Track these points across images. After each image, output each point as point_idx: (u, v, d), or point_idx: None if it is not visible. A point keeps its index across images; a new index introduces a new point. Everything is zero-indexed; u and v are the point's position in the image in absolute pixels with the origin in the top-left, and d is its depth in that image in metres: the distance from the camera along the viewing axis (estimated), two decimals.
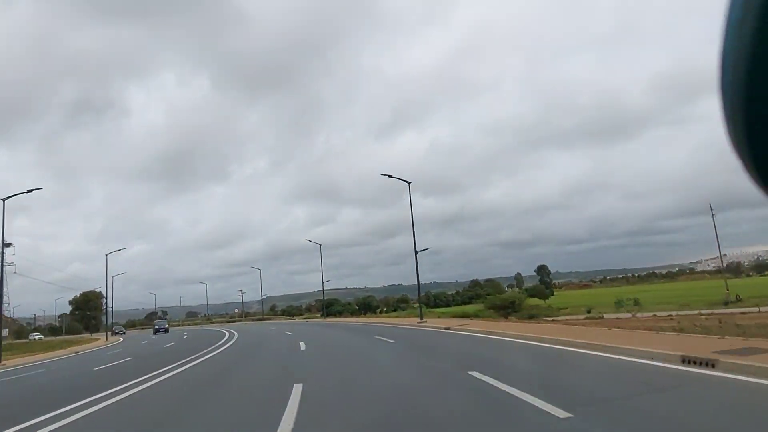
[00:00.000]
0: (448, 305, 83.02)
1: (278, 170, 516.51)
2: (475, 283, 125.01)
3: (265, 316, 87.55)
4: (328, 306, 70.10)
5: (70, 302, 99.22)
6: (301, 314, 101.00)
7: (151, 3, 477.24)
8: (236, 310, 64.18)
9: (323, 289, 54.57)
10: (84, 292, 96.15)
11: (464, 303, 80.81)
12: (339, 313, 67.35)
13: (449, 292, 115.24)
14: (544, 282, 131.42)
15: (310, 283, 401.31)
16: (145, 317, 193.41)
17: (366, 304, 76.97)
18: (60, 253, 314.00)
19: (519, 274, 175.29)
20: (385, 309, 78.12)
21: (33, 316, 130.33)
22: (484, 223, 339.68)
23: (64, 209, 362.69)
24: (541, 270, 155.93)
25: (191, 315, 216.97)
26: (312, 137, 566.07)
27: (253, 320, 75.01)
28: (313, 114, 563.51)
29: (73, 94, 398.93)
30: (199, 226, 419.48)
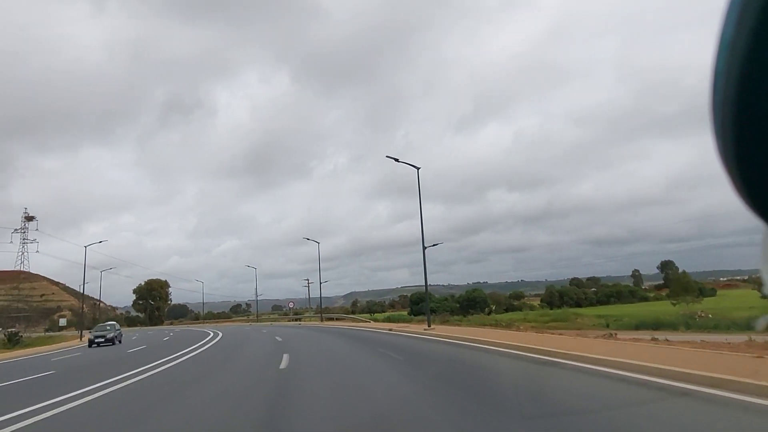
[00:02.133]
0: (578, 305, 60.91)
1: (358, 166, 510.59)
2: (576, 282, 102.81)
3: (308, 315, 72.15)
4: (419, 302, 52.27)
5: (134, 291, 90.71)
6: (383, 311, 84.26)
7: (231, 2, 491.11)
8: (290, 305, 48.32)
9: (320, 294, 38.12)
10: (148, 281, 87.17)
11: (576, 305, 59.03)
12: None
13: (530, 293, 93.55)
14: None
15: (393, 279, 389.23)
16: (230, 309, 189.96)
17: (471, 300, 56.63)
18: (160, 247, 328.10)
19: (637, 271, 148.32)
20: (493, 308, 58.19)
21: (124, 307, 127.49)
22: (573, 219, 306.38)
23: (161, 206, 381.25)
24: (666, 267, 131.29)
25: (276, 308, 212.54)
26: (391, 131, 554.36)
27: (298, 321, 60.29)
28: (392, 108, 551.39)
29: (165, 95, 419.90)
30: (284, 222, 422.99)
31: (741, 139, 0.60)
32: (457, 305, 55.39)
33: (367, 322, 37.50)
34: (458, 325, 28.19)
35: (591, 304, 57.12)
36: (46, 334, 62.67)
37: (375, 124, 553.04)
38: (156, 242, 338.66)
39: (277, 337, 25.23)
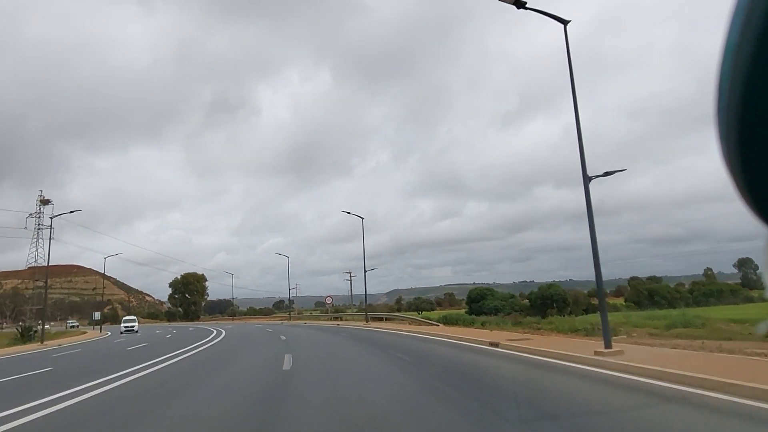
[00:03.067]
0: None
1: (400, 163, 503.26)
2: (636, 281, 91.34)
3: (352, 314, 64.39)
4: (478, 300, 44.09)
5: (170, 285, 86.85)
6: (432, 308, 76.29)
7: (272, 0, 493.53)
8: (328, 300, 41.32)
9: (365, 289, 30.64)
10: (184, 275, 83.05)
11: (669, 305, 48.69)
12: (491, 312, 40.12)
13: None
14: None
15: (436, 277, 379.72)
16: (273, 305, 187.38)
17: (547, 298, 47.06)
18: (207, 244, 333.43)
19: (710, 269, 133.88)
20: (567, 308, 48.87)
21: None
22: (626, 216, 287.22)
23: (208, 204, 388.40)
24: (745, 264, 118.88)
25: (319, 305, 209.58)
26: (434, 128, 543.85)
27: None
28: (434, 104, 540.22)
29: (211, 95, 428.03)
30: (327, 219, 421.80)
31: (745, 143, 0.60)
32: (527, 303, 46.57)
33: (434, 326, 26.30)
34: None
35: (687, 305, 47.05)
36: (69, 328, 59.06)
37: (417, 120, 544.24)
38: (203, 239, 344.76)
39: (287, 355, 18.36)
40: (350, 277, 42.84)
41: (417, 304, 78.75)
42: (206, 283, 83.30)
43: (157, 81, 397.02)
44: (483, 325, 24.52)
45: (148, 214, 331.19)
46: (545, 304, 44.66)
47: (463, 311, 43.29)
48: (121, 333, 45.48)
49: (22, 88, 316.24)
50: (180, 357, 16.16)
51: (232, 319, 65.12)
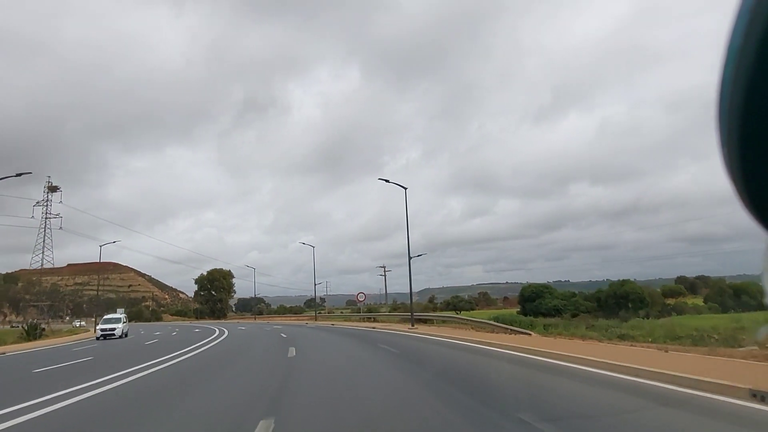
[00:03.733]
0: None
1: (431, 160, 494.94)
2: (682, 280, 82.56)
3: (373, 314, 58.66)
4: (533, 299, 37.94)
5: (196, 281, 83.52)
6: (470, 308, 70.23)
7: None
8: (360, 297, 35.38)
9: (409, 281, 25.27)
10: (210, 271, 79.58)
11: (758, 308, 41.00)
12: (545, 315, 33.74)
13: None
14: None
15: (467, 276, 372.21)
16: (304, 304, 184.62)
17: (622, 297, 39.76)
18: (240, 243, 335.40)
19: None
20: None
21: None
22: (666, 214, 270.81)
23: (240, 203, 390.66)
24: None
25: (351, 303, 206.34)
26: (465, 124, 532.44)
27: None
28: (465, 100, 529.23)
29: (241, 94, 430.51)
30: (358, 217, 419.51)
31: (747, 148, 0.60)
32: (593, 304, 39.69)
33: (521, 335, 18.37)
34: None
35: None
36: (76, 327, 56.16)
37: (447, 117, 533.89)
38: (236, 238, 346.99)
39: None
40: (384, 271, 37.23)
41: (455, 303, 72.64)
42: (233, 279, 79.80)
43: (189, 81, 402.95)
44: (546, 329, 18.77)
45: (183, 213, 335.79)
46: (619, 303, 37.71)
47: (507, 311, 37.35)
48: (97, 338, 34.39)
49: (62, 91, 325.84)
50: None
51: (255, 318, 60.70)
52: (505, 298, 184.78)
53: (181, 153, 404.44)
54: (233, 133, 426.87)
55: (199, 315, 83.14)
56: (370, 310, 39.76)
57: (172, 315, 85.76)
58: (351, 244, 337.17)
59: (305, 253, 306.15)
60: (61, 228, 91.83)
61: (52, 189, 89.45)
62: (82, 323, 66.37)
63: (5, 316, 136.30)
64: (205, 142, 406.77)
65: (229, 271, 78.88)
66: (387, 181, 31.14)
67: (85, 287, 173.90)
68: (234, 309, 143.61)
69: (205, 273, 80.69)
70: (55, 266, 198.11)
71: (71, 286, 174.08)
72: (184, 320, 76.03)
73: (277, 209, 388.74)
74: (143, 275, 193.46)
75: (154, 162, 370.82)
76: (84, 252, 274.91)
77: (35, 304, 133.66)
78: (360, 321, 36.55)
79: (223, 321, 66.85)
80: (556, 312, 35.03)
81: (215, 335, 29.91)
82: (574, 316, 26.71)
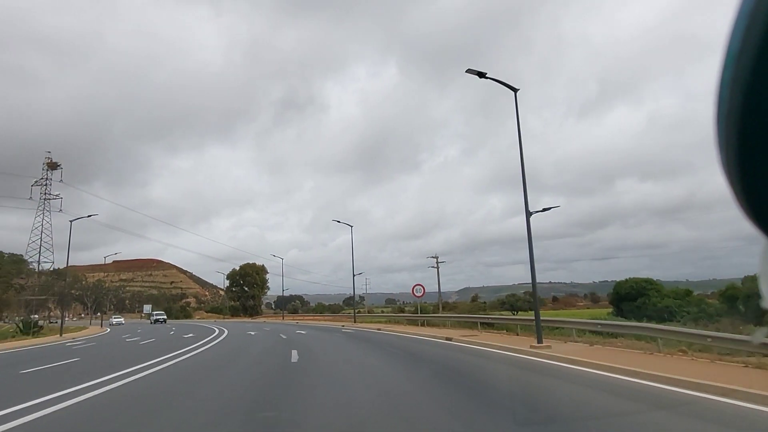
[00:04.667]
0: None
1: (470, 157, 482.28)
2: (750, 280, 68.55)
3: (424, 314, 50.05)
4: (633, 298, 29.46)
5: (228, 277, 78.39)
6: (526, 308, 61.57)
7: None
8: (417, 293, 28.18)
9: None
10: (242, 265, 74.40)
11: None
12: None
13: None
14: None
15: (509, 275, 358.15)
16: (343, 302, 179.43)
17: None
18: (280, 241, 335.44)
19: None
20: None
21: None
22: (720, 212, 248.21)
23: (280, 202, 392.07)
24: None
25: (390, 302, 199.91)
26: (505, 120, 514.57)
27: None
28: (506, 95, 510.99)
29: (280, 93, 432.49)
30: (396, 216, 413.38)
31: (745, 151, 0.59)
32: (724, 305, 30.48)
33: None
34: None
35: None
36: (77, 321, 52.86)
37: (487, 113, 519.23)
38: (277, 236, 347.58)
39: None
40: (437, 263, 29.92)
41: (511, 303, 63.85)
42: (267, 275, 74.17)
43: (229, 80, 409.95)
44: None
45: (225, 212, 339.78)
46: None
47: (587, 311, 29.11)
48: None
49: (108, 93, 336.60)
50: None
51: (283, 317, 54.05)
52: (554, 298, 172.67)
53: (221, 153, 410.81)
54: (272, 132, 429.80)
55: (233, 312, 78.39)
56: (422, 310, 32.34)
57: (207, 312, 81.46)
58: (389, 243, 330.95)
59: (344, 252, 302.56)
60: (60, 210, 78.59)
61: (52, 166, 78.35)
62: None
63: (50, 311, 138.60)
64: (244, 142, 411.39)
65: (263, 266, 73.58)
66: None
67: (129, 283, 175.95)
68: (273, 306, 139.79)
69: (237, 268, 75.64)
70: (100, 263, 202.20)
71: (116, 282, 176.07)
72: (216, 318, 71.26)
73: (317, 207, 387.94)
74: (185, 272, 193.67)
75: (196, 162, 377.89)
76: (129, 249, 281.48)
77: (79, 299, 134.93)
78: (407, 326, 29.16)
79: (247, 320, 61.14)
80: (669, 315, 26.40)
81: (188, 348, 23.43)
82: (714, 322, 18.32)
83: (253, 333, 26.48)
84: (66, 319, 77.27)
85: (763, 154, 0.59)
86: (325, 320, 49.16)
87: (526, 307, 62.29)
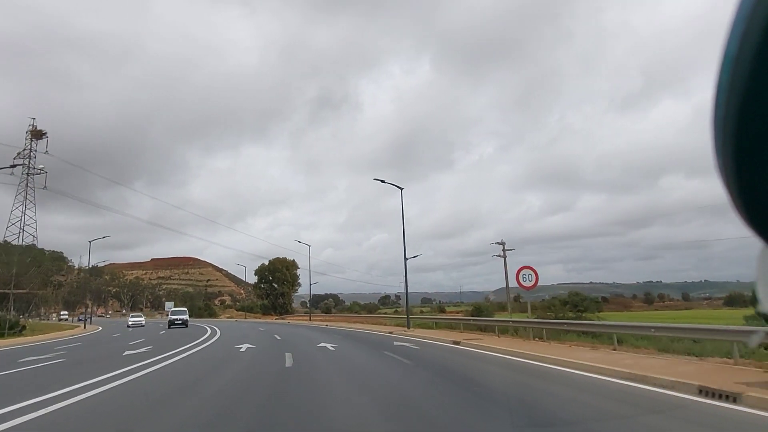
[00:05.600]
0: None
1: (506, 155, 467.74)
2: None
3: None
4: None
5: (256, 273, 72.95)
6: (587, 309, 53.02)
7: None
8: (528, 280, 20.34)
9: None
10: (272, 260, 68.81)
11: None
12: None
13: None
14: None
15: (547, 275, 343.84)
16: (379, 301, 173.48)
17: None
18: (315, 240, 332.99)
19: None
20: None
21: None
22: None
23: (315, 201, 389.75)
24: None
25: (426, 301, 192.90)
26: (543, 115, 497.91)
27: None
28: (543, 89, 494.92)
29: (315, 91, 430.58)
30: (431, 214, 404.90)
31: (742, 155, 0.59)
32: None
33: None
34: None
35: None
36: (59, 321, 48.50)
37: (524, 109, 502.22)
38: (312, 235, 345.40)
39: None
40: (504, 250, 23.02)
41: (575, 302, 55.03)
42: (297, 271, 68.13)
43: (263, 79, 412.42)
44: None
45: (261, 211, 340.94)
46: None
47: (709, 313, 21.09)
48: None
49: (147, 94, 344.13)
50: None
51: (309, 319, 46.70)
52: (603, 299, 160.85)
53: (257, 152, 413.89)
54: (307, 131, 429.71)
55: (265, 311, 73.24)
56: (482, 310, 25.37)
57: (237, 311, 76.80)
58: (423, 242, 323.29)
59: (378, 251, 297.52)
60: (45, 188, 64.46)
61: (37, 135, 63.81)
62: (66, 317, 57.68)
63: (87, 307, 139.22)
64: (279, 141, 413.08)
65: (293, 260, 67.59)
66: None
67: (166, 281, 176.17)
68: (308, 305, 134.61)
69: (266, 263, 69.90)
70: (140, 261, 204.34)
71: (154, 279, 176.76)
72: (237, 316, 66.11)
73: (351, 206, 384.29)
74: (221, 270, 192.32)
75: (232, 162, 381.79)
76: (168, 247, 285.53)
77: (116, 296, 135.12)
78: (473, 334, 21.84)
79: (269, 319, 55.06)
80: None
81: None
82: None
83: (242, 349, 15.99)
84: (93, 315, 74.81)
85: (760, 159, 0.59)
86: (362, 322, 38.67)
87: (594, 308, 53.49)
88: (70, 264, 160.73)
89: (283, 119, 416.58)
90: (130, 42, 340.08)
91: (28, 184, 65.54)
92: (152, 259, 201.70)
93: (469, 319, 25.17)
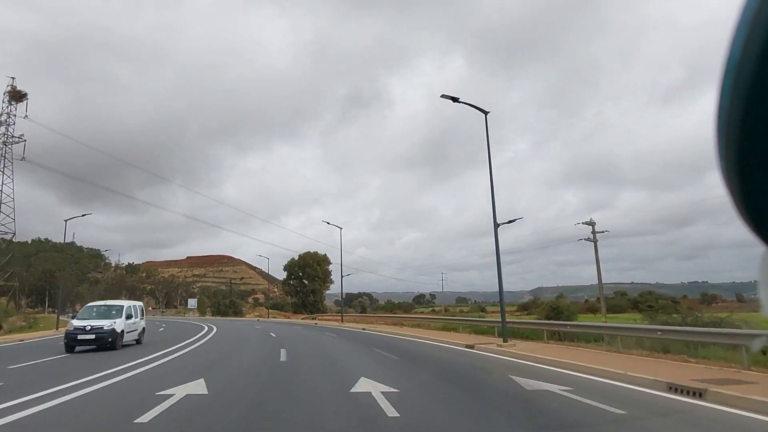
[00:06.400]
0: None
1: (541, 151, 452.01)
2: None
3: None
4: None
5: (285, 268, 68.18)
6: (664, 308, 45.59)
7: None
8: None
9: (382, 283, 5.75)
10: (302, 254, 64.02)
11: None
12: None
13: None
14: None
15: (584, 275, 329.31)
16: (413, 300, 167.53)
17: None
18: (347, 239, 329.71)
19: None
20: None
21: None
22: None
23: (347, 200, 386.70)
24: None
25: (461, 301, 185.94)
26: (579, 111, 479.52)
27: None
28: (580, 83, 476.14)
29: (345, 90, 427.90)
30: (463, 213, 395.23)
31: (745, 160, 0.58)
32: None
33: None
34: None
35: None
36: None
37: (560, 104, 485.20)
38: (345, 234, 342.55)
39: None
40: (593, 233, 16.95)
41: (650, 302, 47.48)
42: (330, 266, 62.96)
43: (294, 79, 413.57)
44: None
45: (293, 210, 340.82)
46: None
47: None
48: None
49: (181, 95, 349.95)
50: None
51: (341, 320, 39.79)
52: (674, 301, 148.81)
53: (288, 151, 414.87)
54: (338, 130, 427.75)
55: (296, 309, 68.75)
56: (558, 311, 19.51)
57: (271, 309, 72.80)
58: (457, 241, 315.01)
59: (411, 249, 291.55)
60: (23, 159, 51.93)
61: (16, 96, 51.84)
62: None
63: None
64: (310, 140, 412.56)
65: (325, 255, 62.64)
66: (328, 222, 25.08)
67: (201, 279, 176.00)
68: (341, 303, 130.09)
69: (296, 257, 65.01)
70: (176, 259, 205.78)
71: (189, 277, 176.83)
72: (259, 316, 61.70)
73: (383, 205, 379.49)
74: (254, 268, 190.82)
75: (264, 161, 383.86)
76: (203, 246, 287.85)
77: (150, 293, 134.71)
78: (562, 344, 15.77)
79: (296, 319, 49.94)
80: None
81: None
82: None
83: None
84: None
85: (763, 163, 0.58)
86: (407, 325, 29.19)
87: (671, 309, 45.82)
88: (107, 261, 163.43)
89: (315, 118, 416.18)
90: (165, 46, 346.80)
91: (5, 155, 53.02)
92: (187, 257, 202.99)
93: (586, 325, 17.87)
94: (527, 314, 70.82)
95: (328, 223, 36.11)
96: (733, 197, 0.62)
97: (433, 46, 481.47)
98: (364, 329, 27.88)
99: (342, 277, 35.56)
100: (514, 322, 19.15)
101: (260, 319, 50.32)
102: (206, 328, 31.35)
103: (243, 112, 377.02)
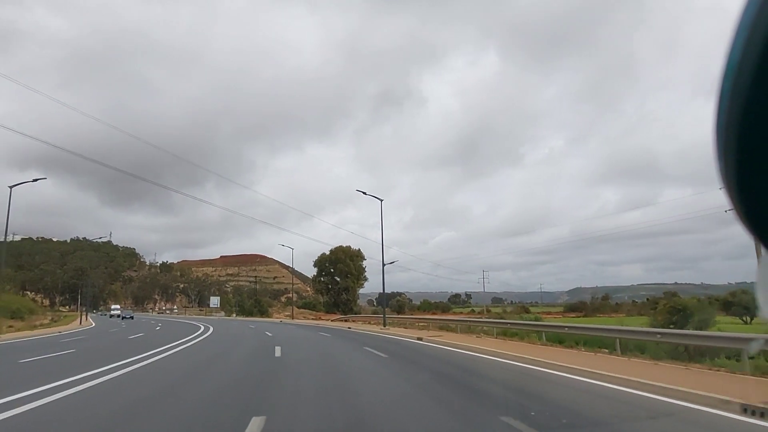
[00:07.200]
0: None
1: (578, 148, 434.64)
2: None
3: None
4: None
5: (315, 264, 63.35)
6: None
7: None
8: None
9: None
10: (333, 249, 59.16)
11: None
12: None
13: None
14: None
15: (624, 275, 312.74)
16: (448, 299, 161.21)
17: None
18: (380, 239, 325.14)
19: None
20: None
21: None
22: None
23: (380, 198, 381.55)
24: None
25: (497, 301, 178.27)
26: (618, 105, 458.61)
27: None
28: (618, 77, 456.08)
29: (377, 88, 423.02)
30: (498, 211, 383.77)
31: (744, 162, 0.58)
32: None
33: None
34: None
35: None
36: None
37: (597, 98, 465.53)
38: (376, 234, 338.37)
39: None
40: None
41: (745, 303, 39.67)
42: (364, 262, 57.67)
43: (326, 78, 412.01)
44: None
45: (327, 210, 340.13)
46: None
47: None
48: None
49: (214, 97, 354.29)
50: None
51: (384, 325, 34.38)
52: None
53: (321, 151, 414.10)
54: (370, 129, 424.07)
55: (328, 309, 64.19)
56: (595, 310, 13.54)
57: (299, 308, 68.77)
58: (491, 240, 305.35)
59: (444, 249, 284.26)
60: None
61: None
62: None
63: (155, 302, 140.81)
64: (343, 139, 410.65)
65: (359, 250, 57.45)
66: (364, 193, 29.20)
67: (234, 278, 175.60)
68: (375, 303, 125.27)
69: (327, 253, 59.86)
70: (211, 258, 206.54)
71: (223, 276, 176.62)
72: (283, 317, 57.26)
73: (416, 204, 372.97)
74: (287, 267, 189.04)
75: (296, 161, 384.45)
76: (236, 245, 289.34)
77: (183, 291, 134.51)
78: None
79: (327, 321, 44.83)
80: None
81: None
82: None
83: None
84: (158, 310, 71.06)
85: (762, 166, 0.58)
86: (467, 333, 21.75)
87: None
88: (142, 260, 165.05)
89: (347, 117, 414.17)
90: (199, 47, 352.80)
91: None
92: (221, 257, 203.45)
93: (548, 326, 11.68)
94: (584, 316, 63.78)
95: (364, 193, 30.38)
96: (732, 200, 0.61)
97: (467, 41, 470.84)
98: (419, 340, 18.42)
99: (384, 265, 29.24)
100: (623, 330, 13.28)
101: (283, 321, 45.68)
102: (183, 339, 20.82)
103: (275, 112, 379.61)
